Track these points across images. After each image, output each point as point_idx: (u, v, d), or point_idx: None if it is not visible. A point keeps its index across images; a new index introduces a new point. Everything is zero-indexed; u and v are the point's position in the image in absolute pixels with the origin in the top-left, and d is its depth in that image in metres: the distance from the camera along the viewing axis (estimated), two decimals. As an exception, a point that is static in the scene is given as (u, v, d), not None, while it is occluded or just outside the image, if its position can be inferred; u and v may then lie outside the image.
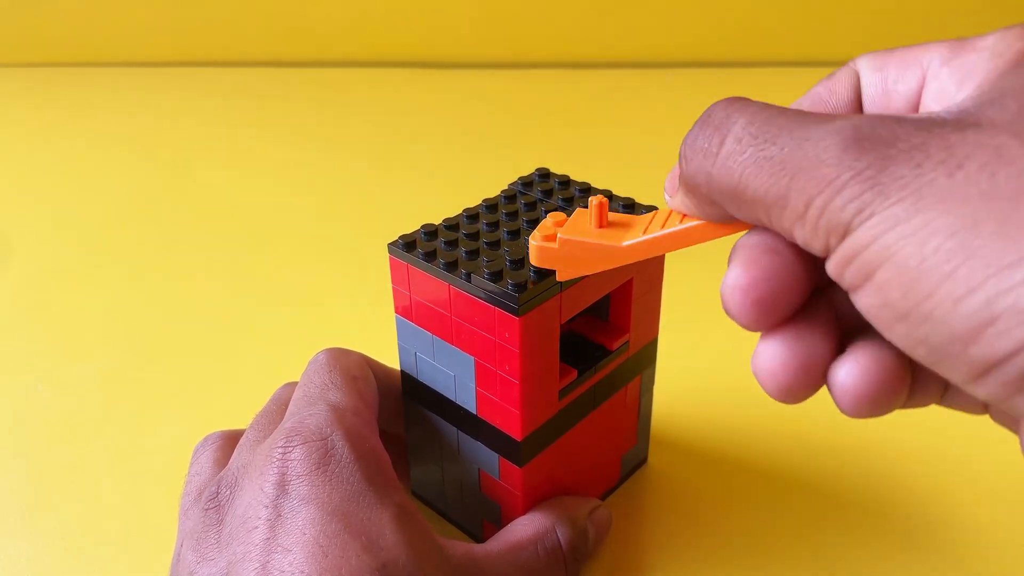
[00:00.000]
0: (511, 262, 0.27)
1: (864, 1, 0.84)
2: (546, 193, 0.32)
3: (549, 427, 0.30)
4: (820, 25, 0.85)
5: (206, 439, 0.31)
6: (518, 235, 0.29)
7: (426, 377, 0.31)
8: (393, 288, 0.31)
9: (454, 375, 0.30)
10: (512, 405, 0.29)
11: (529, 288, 0.26)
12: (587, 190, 0.32)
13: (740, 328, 0.20)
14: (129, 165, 0.69)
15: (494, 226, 0.30)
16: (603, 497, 0.35)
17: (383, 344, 0.39)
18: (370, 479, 0.26)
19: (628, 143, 0.70)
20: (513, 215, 0.31)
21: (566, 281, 0.27)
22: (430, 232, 0.30)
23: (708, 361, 0.43)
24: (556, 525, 0.30)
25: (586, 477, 0.33)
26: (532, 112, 0.77)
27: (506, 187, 0.33)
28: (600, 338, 0.32)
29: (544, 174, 0.33)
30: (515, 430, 0.29)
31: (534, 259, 0.25)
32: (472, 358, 0.29)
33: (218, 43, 0.88)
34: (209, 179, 0.65)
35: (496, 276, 0.27)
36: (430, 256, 0.28)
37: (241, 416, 0.39)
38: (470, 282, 0.27)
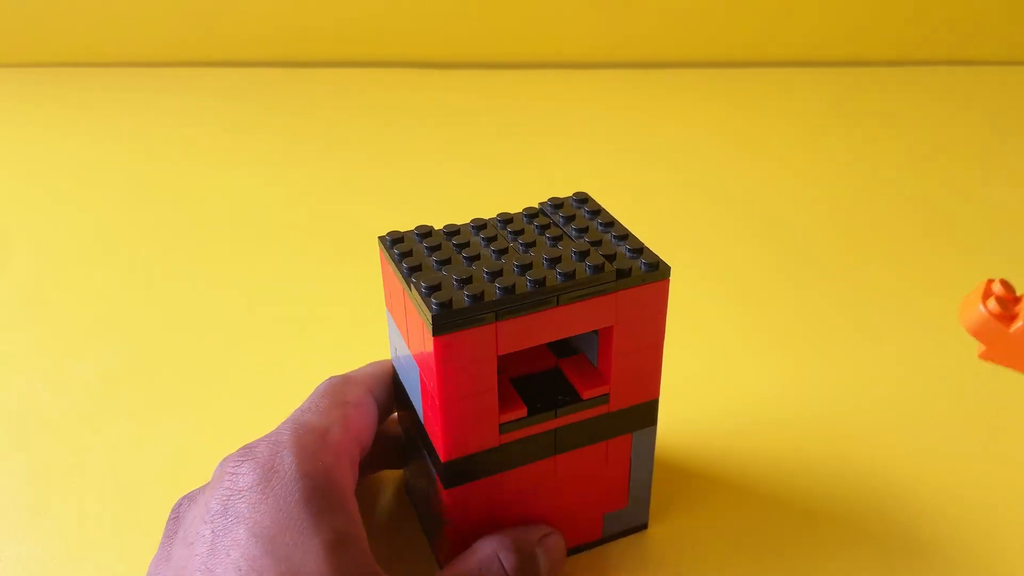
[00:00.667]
0: (458, 281, 0.26)
1: (865, 2, 0.84)
2: (567, 219, 0.30)
3: (486, 459, 0.29)
4: (821, 25, 0.85)
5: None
6: (505, 252, 0.28)
7: (402, 375, 0.31)
8: (383, 282, 0.30)
9: (414, 378, 0.29)
10: (437, 425, 0.28)
11: (452, 310, 0.25)
12: (610, 224, 0.29)
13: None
14: (129, 165, 0.68)
15: (490, 240, 0.29)
16: (579, 550, 0.33)
17: (384, 342, 0.39)
18: (308, 501, 0.25)
19: (628, 143, 0.70)
20: (518, 233, 0.29)
21: (502, 312, 0.26)
22: (423, 233, 0.29)
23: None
24: (499, 552, 0.29)
25: (554, 523, 0.31)
26: (532, 112, 0.76)
27: (536, 204, 0.31)
28: (577, 383, 0.30)
29: (582, 199, 0.31)
30: (440, 451, 0.28)
31: (967, 320, 0.21)
32: (417, 367, 0.28)
33: (218, 43, 0.87)
34: (209, 179, 0.65)
35: (431, 289, 0.26)
36: (403, 255, 0.28)
37: (241, 415, 0.39)
38: (411, 291, 0.27)
